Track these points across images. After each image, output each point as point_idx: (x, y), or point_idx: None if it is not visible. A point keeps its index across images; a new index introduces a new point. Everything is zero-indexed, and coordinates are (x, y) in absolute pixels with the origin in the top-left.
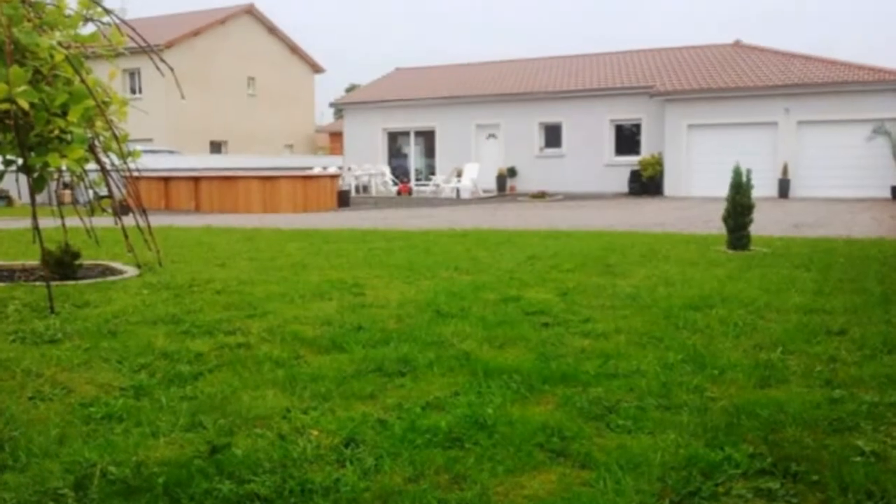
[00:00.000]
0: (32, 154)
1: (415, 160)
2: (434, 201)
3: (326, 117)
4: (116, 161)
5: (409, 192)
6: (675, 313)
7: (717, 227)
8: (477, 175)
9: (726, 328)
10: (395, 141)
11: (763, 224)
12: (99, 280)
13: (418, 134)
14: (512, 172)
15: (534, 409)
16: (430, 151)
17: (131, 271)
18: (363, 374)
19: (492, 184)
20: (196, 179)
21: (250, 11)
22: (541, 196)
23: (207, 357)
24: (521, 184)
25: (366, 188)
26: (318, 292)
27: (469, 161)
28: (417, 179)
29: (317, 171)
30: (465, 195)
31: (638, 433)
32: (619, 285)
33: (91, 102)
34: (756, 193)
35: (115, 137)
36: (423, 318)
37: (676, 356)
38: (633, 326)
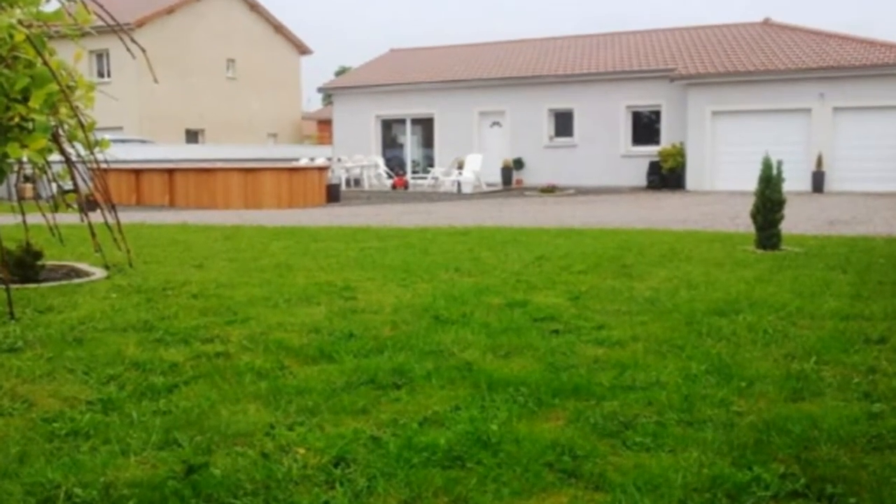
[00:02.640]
0: None
1: (411, 150)
2: (433, 196)
3: (314, 103)
4: (83, 152)
5: (405, 185)
6: (699, 319)
7: (745, 225)
8: (480, 167)
9: (755, 335)
10: (389, 129)
11: (795, 221)
12: (63, 283)
13: (415, 122)
14: (518, 164)
15: (542, 425)
16: (428, 141)
17: (99, 273)
18: (354, 387)
19: (496, 176)
20: (170, 172)
21: None
22: (550, 190)
23: (183, 367)
24: (529, 176)
25: (357, 181)
26: (304, 296)
27: (471, 152)
28: (414, 172)
29: (303, 162)
30: (466, 189)
31: (657, 451)
32: (636, 288)
33: (55, 87)
34: (787, 187)
35: (82, 125)
36: (420, 325)
37: (700, 366)
38: (651, 334)
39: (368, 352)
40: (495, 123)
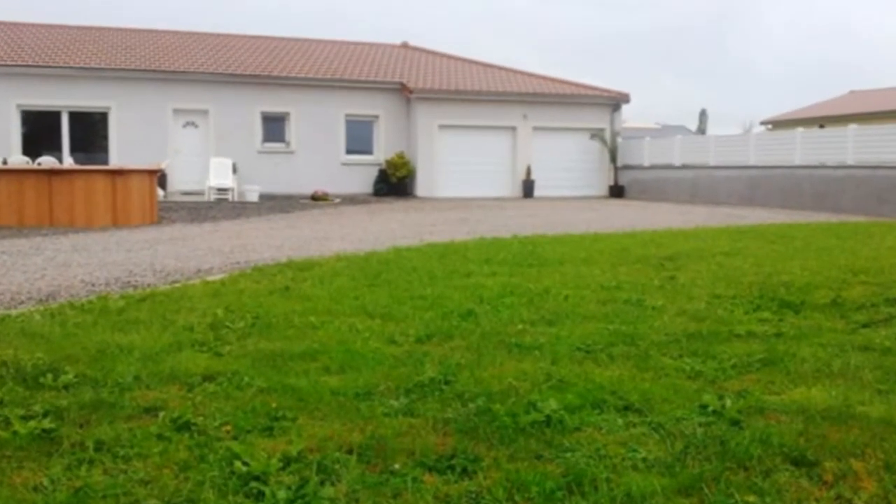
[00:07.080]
0: None
1: (71, 153)
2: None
3: None
4: None
5: None
6: None
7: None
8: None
9: None
10: (39, 125)
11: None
12: None
13: (76, 116)
14: (233, 170)
15: None
16: (94, 142)
17: None
18: None
19: (195, 184)
20: None
21: None
22: (323, 198)
23: None
24: (241, 184)
25: None
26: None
27: (164, 155)
28: None
29: None
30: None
31: None
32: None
33: None
34: (500, 193)
35: None
36: None
37: None
38: None
39: None
40: (189, 124)
